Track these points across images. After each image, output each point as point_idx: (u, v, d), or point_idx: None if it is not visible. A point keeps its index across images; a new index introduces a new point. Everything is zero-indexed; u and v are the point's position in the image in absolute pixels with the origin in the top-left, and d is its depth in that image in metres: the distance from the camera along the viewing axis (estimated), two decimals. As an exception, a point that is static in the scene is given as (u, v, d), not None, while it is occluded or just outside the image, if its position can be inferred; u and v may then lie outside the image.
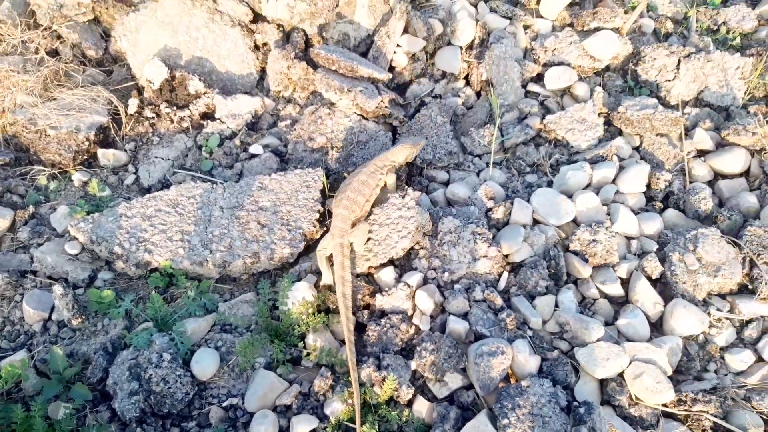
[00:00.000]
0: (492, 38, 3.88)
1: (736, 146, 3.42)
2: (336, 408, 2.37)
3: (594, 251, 2.88)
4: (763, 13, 4.38)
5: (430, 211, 3.03)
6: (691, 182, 3.34)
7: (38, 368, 2.50)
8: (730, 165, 3.36)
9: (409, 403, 2.43)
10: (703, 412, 2.38)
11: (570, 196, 3.14)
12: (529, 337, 2.63)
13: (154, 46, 3.87)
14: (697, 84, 3.74)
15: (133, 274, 2.90)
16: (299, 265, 2.98)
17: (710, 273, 2.84)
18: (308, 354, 2.56)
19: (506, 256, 2.91)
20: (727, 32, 4.25)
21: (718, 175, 3.42)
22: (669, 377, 2.47)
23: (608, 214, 3.08)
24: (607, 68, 3.94)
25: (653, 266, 2.87)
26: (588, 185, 3.27)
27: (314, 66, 3.80)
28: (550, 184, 3.32)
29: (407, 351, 2.62)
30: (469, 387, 2.50)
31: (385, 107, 3.59)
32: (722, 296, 2.88)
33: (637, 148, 3.55)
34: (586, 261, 2.90)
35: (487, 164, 3.49)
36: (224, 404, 2.44)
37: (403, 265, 2.93)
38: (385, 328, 2.60)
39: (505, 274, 2.83)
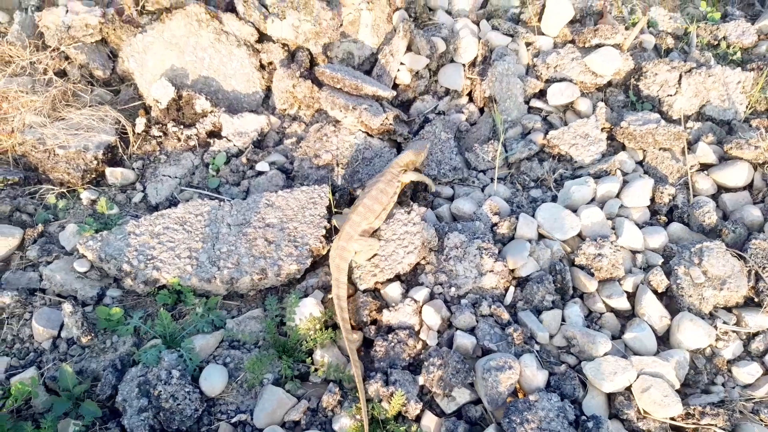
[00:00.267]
0: (494, 55, 3.93)
1: (738, 160, 3.44)
2: (344, 424, 2.37)
3: (600, 265, 2.89)
4: (763, 27, 4.43)
5: (435, 227, 3.06)
6: (694, 196, 3.36)
7: (48, 386, 2.51)
8: (733, 178, 3.38)
9: (417, 419, 2.43)
10: (712, 425, 2.37)
11: (575, 211, 3.16)
12: (537, 351, 2.63)
13: (161, 66, 3.94)
14: (698, 98, 3.77)
15: (141, 291, 2.92)
16: (306, 281, 3.00)
17: (716, 286, 2.84)
18: (316, 370, 2.57)
19: (512, 270, 2.92)
20: (728, 47, 4.30)
21: (721, 189, 3.44)
22: (677, 391, 2.47)
23: (613, 228, 3.10)
24: (609, 84, 3.99)
25: (659, 280, 2.88)
26: (592, 200, 3.30)
27: (319, 84, 3.85)
28: (554, 198, 3.35)
29: (415, 366, 2.62)
30: (477, 402, 2.50)
31: (390, 124, 3.63)
32: (728, 309, 2.88)
33: (640, 163, 3.58)
34: (592, 275, 2.91)
35: (492, 179, 3.52)
36: (233, 420, 2.44)
37: (409, 280, 2.95)
38: (393, 344, 2.61)
39: (512, 289, 2.85)
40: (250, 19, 3.97)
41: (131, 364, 2.59)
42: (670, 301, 2.90)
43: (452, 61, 4.06)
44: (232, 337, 2.75)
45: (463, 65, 4.01)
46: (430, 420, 2.41)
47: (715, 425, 2.37)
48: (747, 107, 3.80)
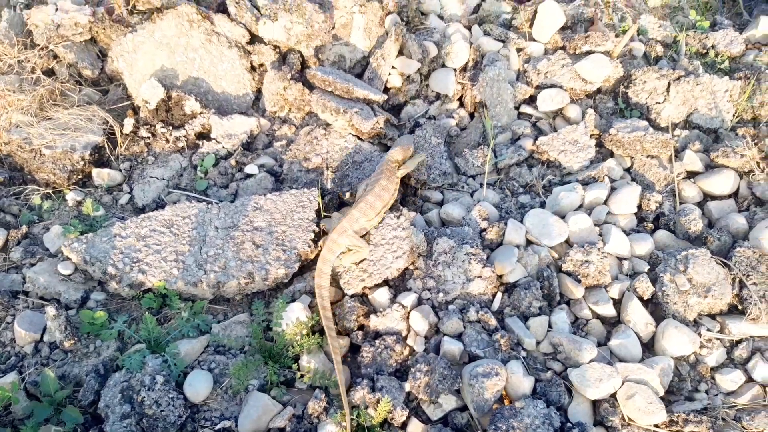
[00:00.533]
0: (486, 61, 3.94)
1: (725, 168, 3.47)
2: (330, 431, 2.36)
3: (587, 272, 2.90)
4: (750, 37, 4.47)
5: (425, 232, 3.05)
6: (681, 203, 3.38)
7: (29, 391, 2.47)
8: (719, 186, 3.40)
9: (404, 426, 2.42)
10: (696, 433, 2.39)
11: (563, 217, 3.18)
12: (523, 358, 2.63)
13: (151, 67, 3.91)
14: (686, 106, 3.80)
15: (126, 294, 2.89)
16: (293, 285, 2.98)
17: (701, 293, 2.86)
18: (302, 376, 2.56)
19: (500, 276, 2.92)
20: (716, 56, 4.33)
21: (707, 197, 3.47)
22: (661, 398, 2.48)
23: (600, 234, 3.12)
24: (599, 91, 4.01)
25: (645, 287, 2.90)
26: (580, 206, 3.31)
27: (310, 87, 3.84)
28: (542, 204, 3.36)
29: (401, 372, 2.62)
30: (464, 408, 2.50)
31: (381, 128, 3.63)
32: (712, 317, 2.90)
33: (628, 170, 3.60)
34: (579, 282, 2.92)
35: (481, 185, 3.52)
36: (217, 427, 2.42)
37: (397, 285, 2.94)
38: (380, 350, 2.60)
39: (499, 295, 2.85)
40: (242, 20, 3.95)
41: (114, 369, 2.56)
42: (656, 308, 2.92)
43: (443, 65, 4.06)
44: (218, 342, 2.73)
45: (455, 70, 4.02)
46: (416, 427, 2.40)
47: (699, 433, 2.39)
48: (734, 116, 3.84)
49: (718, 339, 2.78)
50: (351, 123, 3.58)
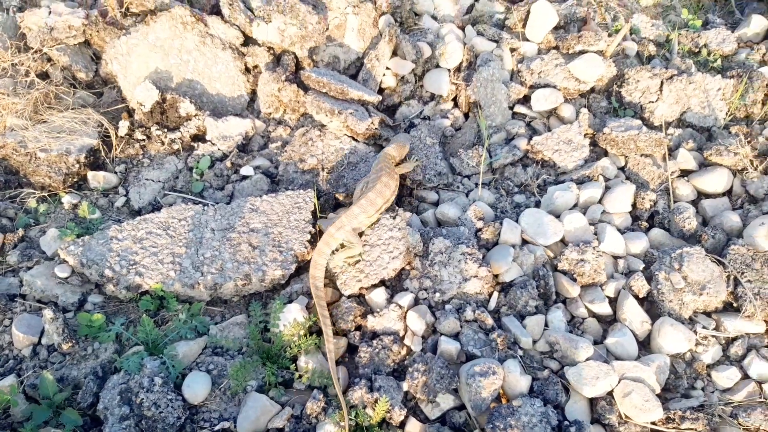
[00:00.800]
0: (479, 61, 3.95)
1: (718, 166, 3.49)
2: (328, 431, 2.37)
3: (582, 270, 2.92)
4: (742, 35, 4.50)
5: (420, 232, 3.07)
6: (675, 202, 3.41)
7: (27, 393, 2.48)
8: (713, 184, 3.43)
9: (402, 425, 2.43)
10: (692, 429, 2.41)
11: (558, 216, 3.19)
12: (520, 356, 2.65)
13: (145, 69, 3.90)
14: (679, 105, 3.83)
15: (123, 297, 2.89)
16: (290, 286, 2.99)
17: (696, 291, 2.88)
18: (300, 376, 2.57)
19: (496, 276, 2.94)
20: (708, 54, 4.36)
21: (701, 195, 3.49)
22: (657, 395, 2.50)
23: (595, 233, 3.13)
24: (592, 90, 4.03)
25: (640, 285, 2.92)
26: (575, 205, 3.33)
27: (305, 88, 3.85)
28: (538, 204, 3.38)
29: (399, 372, 2.63)
30: (461, 407, 2.51)
31: (376, 129, 3.64)
32: (708, 314, 2.93)
33: (622, 169, 3.62)
34: (575, 280, 2.94)
35: (476, 185, 3.54)
36: (216, 428, 2.42)
37: (394, 285, 2.95)
38: (377, 350, 2.61)
39: (495, 294, 2.86)
40: (236, 22, 3.95)
41: (113, 371, 2.57)
42: (651, 306, 2.94)
43: (437, 66, 4.07)
44: (216, 343, 2.73)
45: (449, 70, 4.03)
46: (414, 426, 2.41)
47: (695, 429, 2.41)
48: (727, 114, 3.86)
49: (713, 336, 2.81)
50: (346, 124, 3.59)
